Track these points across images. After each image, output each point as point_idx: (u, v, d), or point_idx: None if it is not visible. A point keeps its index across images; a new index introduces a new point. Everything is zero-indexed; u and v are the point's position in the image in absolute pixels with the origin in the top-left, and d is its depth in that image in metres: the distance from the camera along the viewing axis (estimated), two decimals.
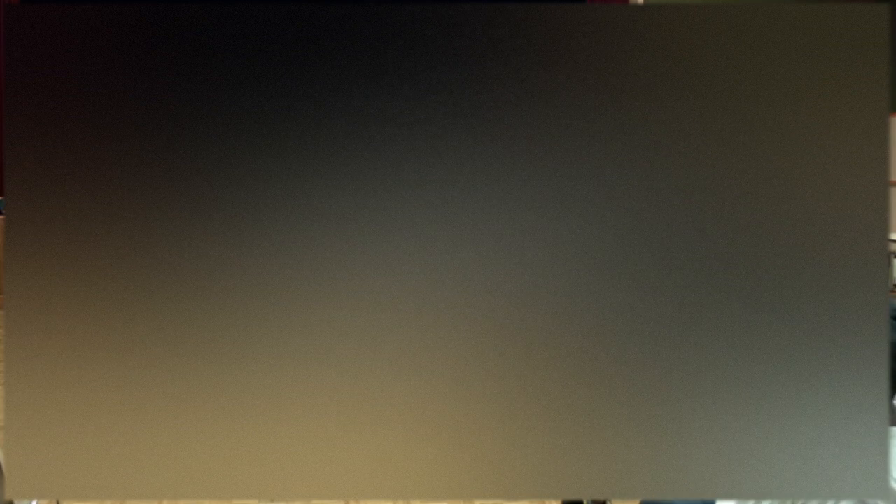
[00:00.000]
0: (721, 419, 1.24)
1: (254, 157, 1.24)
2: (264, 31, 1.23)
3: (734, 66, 1.24)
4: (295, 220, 1.24)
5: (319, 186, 1.24)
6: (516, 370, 1.25)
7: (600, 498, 1.26)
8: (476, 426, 1.25)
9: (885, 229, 1.24)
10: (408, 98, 1.24)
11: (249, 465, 1.25)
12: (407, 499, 1.26)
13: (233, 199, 1.24)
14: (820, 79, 1.24)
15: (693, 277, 1.24)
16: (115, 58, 1.24)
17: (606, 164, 1.24)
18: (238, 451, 1.25)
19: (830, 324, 1.24)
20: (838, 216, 1.24)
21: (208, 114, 1.24)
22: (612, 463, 1.25)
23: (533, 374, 1.25)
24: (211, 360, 1.25)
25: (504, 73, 1.24)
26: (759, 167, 1.24)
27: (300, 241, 1.24)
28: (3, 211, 3.55)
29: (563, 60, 1.24)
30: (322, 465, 1.25)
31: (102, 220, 1.24)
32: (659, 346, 1.24)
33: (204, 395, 1.24)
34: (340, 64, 1.24)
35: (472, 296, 1.25)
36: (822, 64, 1.24)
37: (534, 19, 1.24)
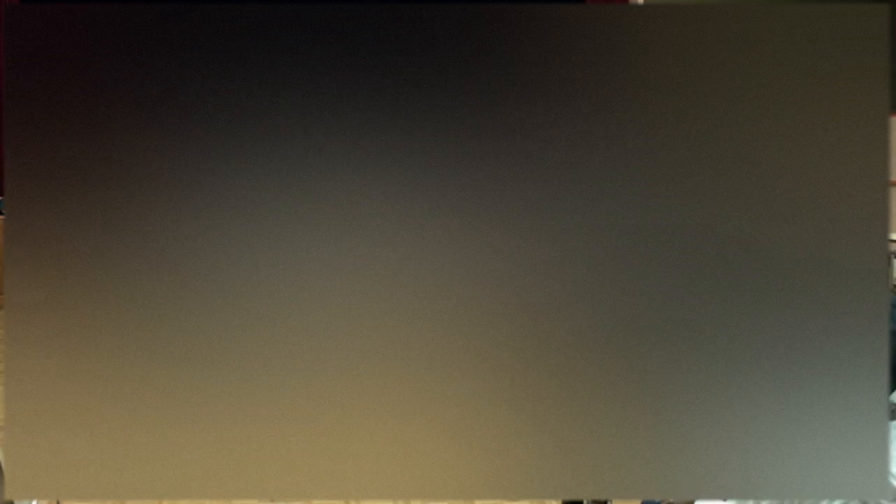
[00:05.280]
0: (721, 419, 1.24)
1: (254, 158, 1.24)
2: (264, 31, 1.23)
3: (734, 66, 1.24)
4: (295, 220, 1.24)
5: (319, 187, 1.24)
6: (516, 370, 1.25)
7: (600, 498, 1.26)
8: (476, 426, 1.25)
9: (885, 229, 1.24)
10: (407, 98, 1.24)
11: (249, 465, 1.25)
12: (407, 499, 1.26)
13: (233, 201, 1.24)
14: (820, 79, 1.24)
15: (693, 278, 1.24)
16: (114, 57, 1.23)
17: (606, 164, 1.24)
18: (238, 451, 1.25)
19: (830, 324, 1.24)
20: (838, 216, 1.24)
21: (209, 114, 1.24)
22: (612, 463, 1.25)
23: (533, 374, 1.25)
24: (211, 360, 1.25)
25: (504, 74, 1.24)
26: (760, 167, 1.24)
27: (301, 241, 1.24)
28: (3, 211, 3.55)
29: (562, 60, 1.24)
30: (322, 465, 1.25)
31: (102, 220, 1.24)
32: (659, 346, 1.24)
33: (204, 395, 1.24)
34: (341, 65, 1.24)
35: (472, 297, 1.25)
36: (822, 64, 1.24)
37: (533, 19, 1.24)
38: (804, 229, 1.24)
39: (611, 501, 1.72)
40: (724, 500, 1.27)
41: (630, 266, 1.24)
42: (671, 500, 1.59)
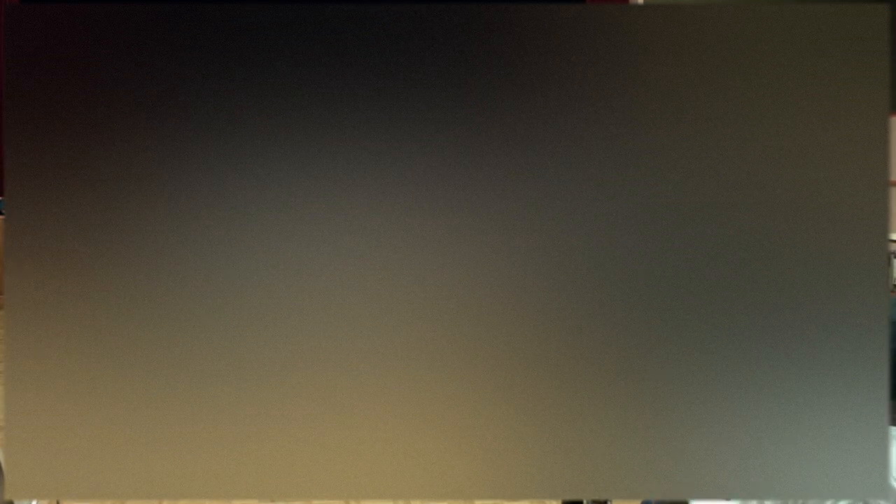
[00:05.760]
0: (721, 419, 1.24)
1: (254, 158, 1.24)
2: (264, 31, 1.23)
3: (734, 66, 1.24)
4: (296, 220, 1.24)
5: (319, 186, 1.24)
6: (516, 370, 1.25)
7: (600, 498, 1.26)
8: (476, 426, 1.25)
9: (885, 229, 1.24)
10: (407, 98, 1.24)
11: (249, 465, 1.25)
12: (407, 499, 1.26)
13: (233, 201, 1.25)
14: (820, 79, 1.24)
15: (693, 278, 1.24)
16: (114, 57, 1.24)
17: (606, 164, 1.24)
18: (238, 451, 1.25)
19: (830, 324, 1.24)
20: (838, 216, 1.24)
21: (209, 114, 1.24)
22: (612, 463, 1.25)
23: (533, 374, 1.25)
24: (211, 360, 1.25)
25: (504, 74, 1.24)
26: (760, 167, 1.24)
27: (301, 241, 1.25)
28: (3, 211, 3.55)
29: (562, 60, 1.24)
30: (322, 465, 1.25)
31: (102, 220, 1.24)
32: (659, 346, 1.24)
33: (204, 395, 1.25)
34: (341, 65, 1.24)
35: (472, 297, 1.25)
36: (822, 64, 1.24)
37: (533, 19, 1.24)
38: (804, 229, 1.24)
39: (611, 501, 1.72)
40: (725, 500, 1.27)
41: (630, 266, 1.24)
42: (671, 500, 1.59)
